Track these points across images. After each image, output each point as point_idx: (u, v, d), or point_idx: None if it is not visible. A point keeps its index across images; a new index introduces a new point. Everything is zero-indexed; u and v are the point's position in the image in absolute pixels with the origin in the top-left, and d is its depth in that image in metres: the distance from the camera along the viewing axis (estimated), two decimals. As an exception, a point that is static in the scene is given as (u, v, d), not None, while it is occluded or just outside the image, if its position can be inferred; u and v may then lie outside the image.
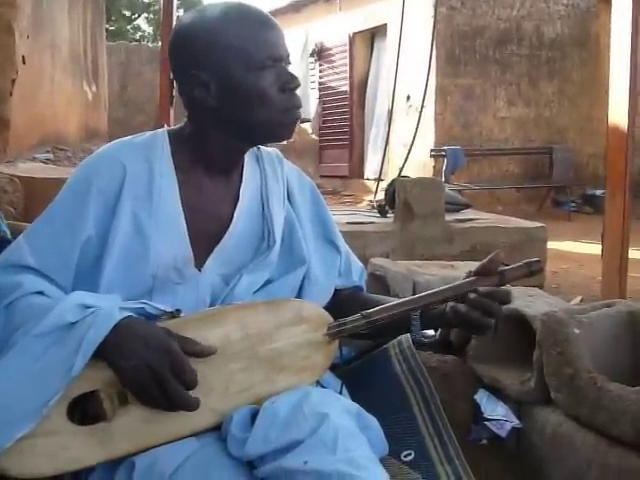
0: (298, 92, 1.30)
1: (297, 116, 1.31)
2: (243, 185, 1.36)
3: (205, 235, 1.30)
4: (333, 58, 11.95)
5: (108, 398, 1.10)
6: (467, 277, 1.24)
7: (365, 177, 11.02)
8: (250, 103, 1.26)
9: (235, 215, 1.33)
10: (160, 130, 1.35)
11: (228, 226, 1.32)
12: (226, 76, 1.26)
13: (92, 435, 1.08)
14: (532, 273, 1.24)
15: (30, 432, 1.04)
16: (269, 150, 1.46)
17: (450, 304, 1.25)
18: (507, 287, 1.24)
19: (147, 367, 1.07)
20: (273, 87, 1.26)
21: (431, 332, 1.34)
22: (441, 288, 1.24)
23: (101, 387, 1.10)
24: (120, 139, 1.34)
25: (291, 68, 1.33)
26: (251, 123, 1.28)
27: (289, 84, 1.28)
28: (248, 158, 1.39)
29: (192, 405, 1.09)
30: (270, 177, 1.41)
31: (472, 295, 1.21)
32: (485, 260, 1.23)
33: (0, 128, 5.63)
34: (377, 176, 7.27)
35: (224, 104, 1.27)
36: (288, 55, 1.31)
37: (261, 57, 1.25)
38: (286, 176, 1.44)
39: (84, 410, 1.10)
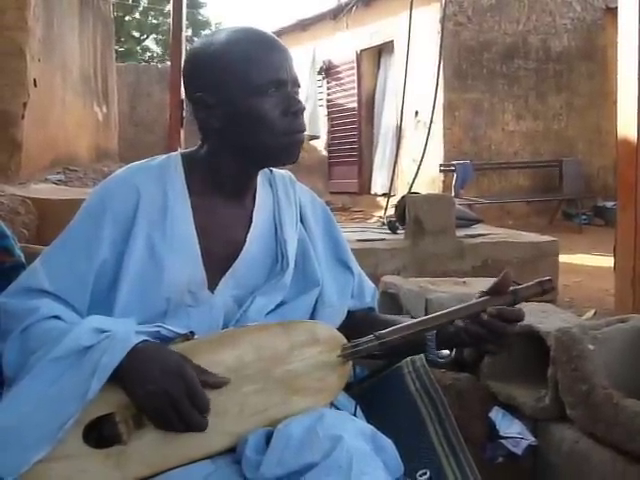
0: (307, 109, 1.31)
1: (300, 139, 1.30)
2: (256, 208, 1.37)
3: (218, 258, 1.31)
4: (341, 75, 12.00)
5: (124, 421, 1.10)
6: (480, 297, 1.24)
7: (373, 192, 11.03)
8: (251, 126, 1.27)
9: (248, 238, 1.34)
10: (174, 153, 1.37)
11: (241, 249, 1.33)
12: (228, 99, 1.27)
13: (108, 458, 1.09)
14: (544, 292, 1.24)
15: (46, 456, 1.05)
16: (281, 172, 1.46)
17: (462, 324, 1.25)
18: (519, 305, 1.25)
19: (163, 392, 1.08)
20: (275, 111, 1.26)
21: (446, 352, 1.33)
22: (454, 308, 1.25)
23: (117, 410, 1.10)
24: (134, 163, 1.36)
25: (300, 88, 1.34)
26: (253, 146, 1.29)
27: (291, 108, 1.27)
28: (261, 181, 1.40)
29: (202, 426, 1.10)
30: (283, 199, 1.41)
31: (484, 316, 1.21)
32: (497, 280, 1.23)
33: (12, 150, 5.68)
34: (386, 192, 7.27)
35: (228, 127, 1.28)
36: (295, 78, 1.30)
37: (263, 81, 1.25)
38: (299, 198, 1.45)
39: (100, 433, 1.10)
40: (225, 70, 1.27)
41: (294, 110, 1.28)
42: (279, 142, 1.28)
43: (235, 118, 1.27)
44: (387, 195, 6.82)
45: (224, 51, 1.28)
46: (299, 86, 1.32)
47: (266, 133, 1.27)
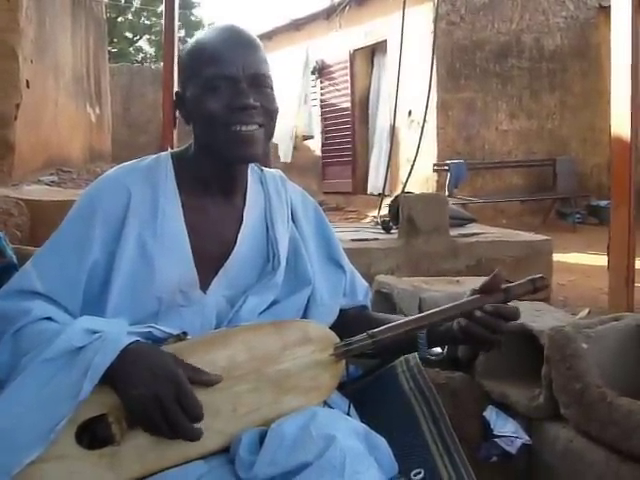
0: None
1: (243, 134, 1.25)
2: (247, 207, 1.37)
3: (210, 257, 1.30)
4: (334, 75, 12.01)
5: (116, 422, 1.09)
6: (472, 295, 1.24)
7: (369, 192, 11.03)
8: (202, 122, 1.28)
9: (239, 237, 1.34)
10: (164, 153, 1.37)
11: (233, 248, 1.33)
12: (189, 95, 1.29)
13: (101, 459, 1.08)
14: (536, 290, 1.24)
15: (39, 457, 1.04)
16: (272, 171, 1.46)
17: (456, 322, 1.25)
18: (513, 304, 1.25)
19: (153, 396, 1.06)
20: (219, 106, 1.24)
21: (438, 350, 1.33)
22: (446, 306, 1.24)
23: (109, 411, 1.09)
24: (124, 163, 1.35)
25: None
26: (207, 142, 1.29)
27: (234, 102, 1.24)
28: (251, 179, 1.40)
29: (195, 436, 1.08)
30: (274, 198, 1.41)
31: (478, 313, 1.21)
32: (488, 278, 1.23)
33: (5, 152, 5.67)
34: (381, 192, 7.26)
35: (191, 123, 1.31)
36: (254, 75, 1.26)
37: (210, 76, 1.25)
38: (290, 197, 1.44)
39: (93, 434, 1.10)
40: (187, 66, 1.30)
41: (237, 105, 1.24)
42: (223, 136, 1.25)
43: (193, 114, 1.30)
44: (381, 195, 6.82)
45: (192, 48, 1.31)
46: (264, 85, 1.28)
47: (213, 128, 1.26)
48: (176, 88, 1.36)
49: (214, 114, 1.25)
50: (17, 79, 5.71)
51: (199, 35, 1.34)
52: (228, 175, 1.34)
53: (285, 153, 11.71)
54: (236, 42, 1.28)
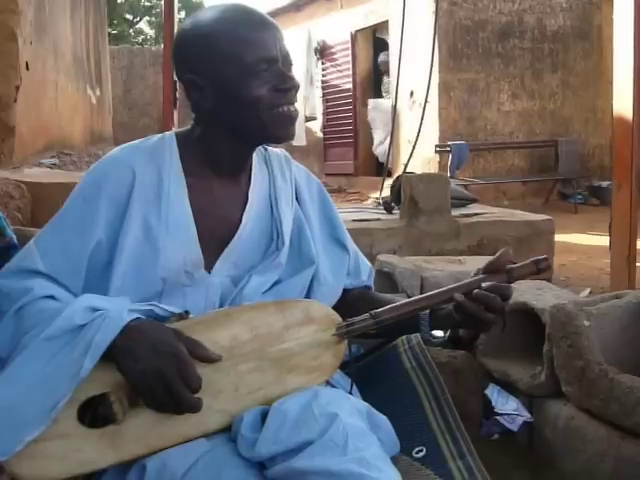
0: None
1: (290, 114, 1.28)
2: (252, 187, 1.36)
3: (214, 237, 1.30)
4: (335, 56, 11.94)
5: (118, 400, 1.10)
6: (475, 275, 1.24)
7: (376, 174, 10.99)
8: (244, 106, 1.26)
9: (244, 217, 1.33)
10: (168, 133, 1.36)
11: (237, 228, 1.32)
12: (220, 80, 1.26)
13: (103, 437, 1.09)
14: (540, 271, 1.24)
15: (41, 435, 1.05)
16: (277, 151, 1.45)
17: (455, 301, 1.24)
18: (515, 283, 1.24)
19: (155, 371, 1.07)
20: (266, 89, 1.25)
21: (440, 333, 1.33)
22: (449, 287, 1.24)
23: (111, 389, 1.10)
24: (128, 143, 1.34)
25: (294, 67, 1.32)
26: (246, 125, 1.28)
27: (282, 84, 1.26)
28: (256, 159, 1.39)
29: (196, 406, 1.09)
30: (278, 178, 1.40)
31: (475, 290, 1.21)
32: (493, 258, 1.23)
33: (5, 134, 5.65)
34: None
35: (220, 107, 1.27)
36: (286, 55, 1.29)
37: (253, 60, 1.24)
38: (294, 176, 1.44)
39: (95, 413, 1.10)
40: (215, 51, 1.25)
41: (286, 87, 1.26)
42: (269, 118, 1.26)
43: (227, 98, 1.26)
44: (383, 176, 6.80)
45: (213, 31, 1.26)
46: (291, 64, 1.30)
47: (257, 111, 1.25)
48: (182, 74, 1.32)
49: (259, 98, 1.24)
50: (16, 61, 5.68)
51: (209, 18, 1.28)
52: (243, 156, 1.34)
53: (298, 136, 11.65)
54: (265, 23, 1.28)
